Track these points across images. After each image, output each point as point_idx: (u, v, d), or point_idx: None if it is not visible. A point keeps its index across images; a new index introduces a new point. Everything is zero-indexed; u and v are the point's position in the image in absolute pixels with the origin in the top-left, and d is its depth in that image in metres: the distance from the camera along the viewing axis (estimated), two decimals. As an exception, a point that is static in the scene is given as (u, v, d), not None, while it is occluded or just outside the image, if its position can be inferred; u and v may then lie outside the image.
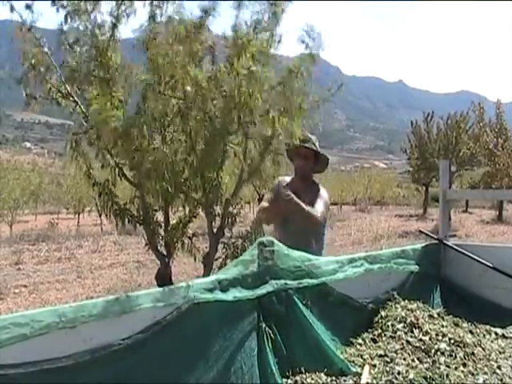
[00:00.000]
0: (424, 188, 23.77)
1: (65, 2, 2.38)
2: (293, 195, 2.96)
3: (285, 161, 3.25)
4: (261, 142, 2.75)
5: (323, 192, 3.34)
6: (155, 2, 2.50)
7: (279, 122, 2.65)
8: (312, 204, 3.14)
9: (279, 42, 2.69)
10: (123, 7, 2.47)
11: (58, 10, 2.42)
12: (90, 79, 2.49)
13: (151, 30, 2.50)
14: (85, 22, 2.44)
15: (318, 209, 3.17)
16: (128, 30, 2.54)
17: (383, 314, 2.61)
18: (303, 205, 3.01)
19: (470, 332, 2.59)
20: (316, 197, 3.25)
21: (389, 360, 2.23)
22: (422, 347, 2.33)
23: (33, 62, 2.46)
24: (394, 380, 2.07)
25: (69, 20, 2.41)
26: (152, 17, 2.51)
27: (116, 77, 2.51)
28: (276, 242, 2.27)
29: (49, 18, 2.51)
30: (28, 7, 2.43)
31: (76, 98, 2.57)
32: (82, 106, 2.58)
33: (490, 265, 2.98)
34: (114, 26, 2.49)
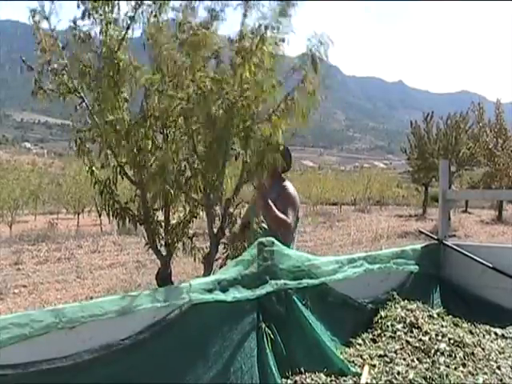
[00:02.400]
0: (424, 188, 23.78)
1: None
2: (268, 203, 2.91)
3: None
4: (262, 142, 2.75)
5: (290, 189, 3.17)
6: (160, 2, 2.50)
7: (281, 125, 2.65)
8: (276, 203, 3.01)
9: (284, 42, 2.68)
10: (140, 10, 2.47)
11: (78, 6, 2.42)
12: (99, 76, 2.49)
13: (156, 30, 2.50)
14: (100, 19, 2.44)
15: (290, 214, 3.02)
16: (135, 28, 2.54)
17: (383, 314, 2.61)
18: (275, 211, 2.94)
19: (470, 332, 2.59)
20: (282, 196, 3.10)
21: (388, 360, 2.23)
22: (422, 347, 2.33)
23: (47, 52, 2.47)
24: (393, 380, 2.07)
25: (86, 18, 2.42)
26: (156, 16, 2.52)
27: (124, 76, 2.51)
28: (276, 241, 2.27)
29: (62, 17, 2.51)
30: None
31: (83, 94, 2.57)
32: (88, 104, 2.58)
33: (490, 265, 2.99)
34: (128, 27, 2.49)
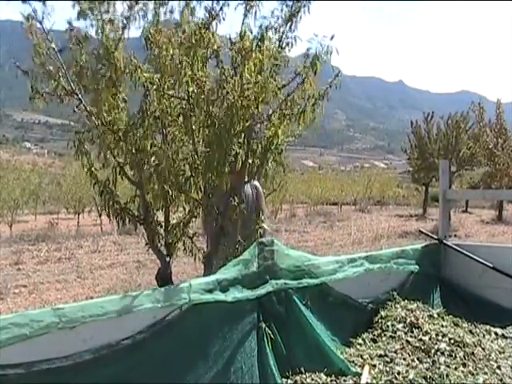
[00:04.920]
0: (424, 188, 23.75)
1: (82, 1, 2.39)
2: None
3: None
4: (262, 143, 2.75)
5: (260, 189, 3.44)
6: (160, 2, 2.50)
7: (281, 126, 2.65)
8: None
9: (288, 44, 2.68)
10: (136, 8, 2.47)
11: (73, 6, 2.41)
12: (97, 77, 2.49)
13: (155, 30, 2.49)
14: (96, 21, 2.44)
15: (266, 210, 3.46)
16: (133, 28, 2.54)
17: (383, 314, 2.61)
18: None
19: (470, 332, 2.59)
20: (259, 194, 3.40)
21: (389, 360, 2.23)
22: (422, 347, 2.33)
23: (41, 56, 2.46)
24: (393, 380, 2.07)
25: (81, 18, 2.41)
26: (156, 16, 2.51)
27: (121, 76, 2.51)
28: (276, 241, 2.27)
29: (58, 18, 2.50)
30: None
31: (80, 96, 2.57)
32: (86, 105, 2.58)
33: (490, 265, 2.99)
34: (125, 27, 2.49)
